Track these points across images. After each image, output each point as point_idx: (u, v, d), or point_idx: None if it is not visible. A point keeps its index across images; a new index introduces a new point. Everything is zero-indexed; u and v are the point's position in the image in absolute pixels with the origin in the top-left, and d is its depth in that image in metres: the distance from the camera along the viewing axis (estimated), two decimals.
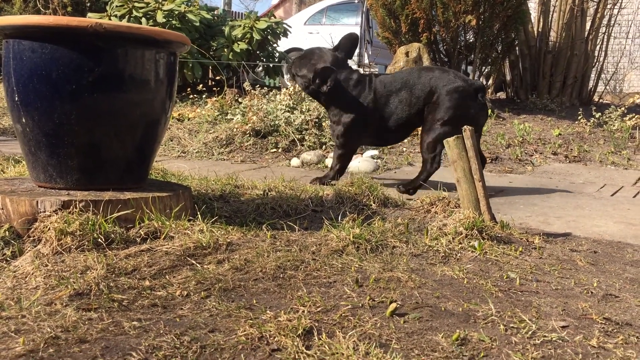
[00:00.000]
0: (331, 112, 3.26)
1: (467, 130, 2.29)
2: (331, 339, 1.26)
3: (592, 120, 5.61)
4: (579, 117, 5.75)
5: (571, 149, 4.84)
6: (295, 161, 4.18)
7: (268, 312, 1.38)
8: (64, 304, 1.37)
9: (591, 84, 7.73)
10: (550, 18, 7.25)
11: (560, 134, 5.38)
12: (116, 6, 6.62)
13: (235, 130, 4.73)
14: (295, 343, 1.22)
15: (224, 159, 4.30)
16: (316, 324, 1.32)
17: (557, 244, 2.18)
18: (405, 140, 4.92)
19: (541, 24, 7.25)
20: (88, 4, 9.16)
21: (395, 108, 3.18)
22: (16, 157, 3.22)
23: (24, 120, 1.93)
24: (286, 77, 8.49)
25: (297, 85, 5.16)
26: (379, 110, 3.19)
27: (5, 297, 1.40)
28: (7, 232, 1.77)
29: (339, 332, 1.29)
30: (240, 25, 6.99)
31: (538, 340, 1.31)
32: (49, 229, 1.72)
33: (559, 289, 1.68)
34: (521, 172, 4.12)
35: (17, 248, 1.71)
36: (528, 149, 4.83)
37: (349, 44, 3.33)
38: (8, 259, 1.66)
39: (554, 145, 4.93)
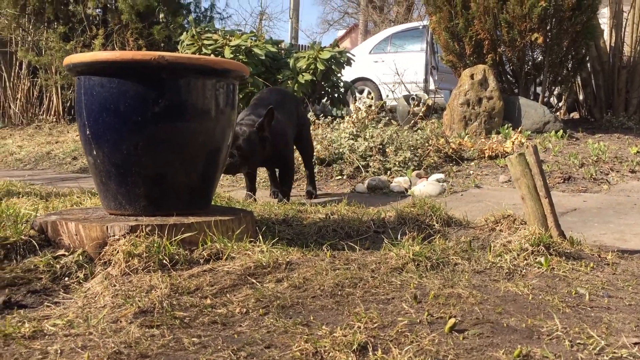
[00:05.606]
0: None
1: (529, 146, 2.23)
2: (386, 354, 1.24)
3: None
4: None
5: None
6: (360, 187, 4.19)
7: (324, 328, 1.38)
8: (129, 321, 1.42)
9: None
10: (622, 32, 6.98)
11: (638, 152, 5.12)
12: (186, 45, 6.93)
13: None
14: (350, 358, 1.22)
15: None
16: (372, 340, 1.31)
17: (632, 260, 2.07)
18: (472, 163, 4.83)
19: (613, 38, 6.99)
20: (162, 45, 9.64)
21: None
22: (92, 191, 3.39)
23: (95, 153, 2.04)
24: (352, 106, 8.55)
25: (360, 113, 5.20)
26: None
27: (76, 315, 1.47)
28: (80, 257, 1.87)
29: (394, 347, 1.27)
30: (304, 57, 7.13)
31: (606, 356, 1.24)
32: (117, 252, 1.80)
33: (633, 304, 1.59)
34: (596, 190, 3.95)
35: (89, 270, 1.80)
36: (603, 167, 4.63)
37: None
38: (81, 280, 1.75)
39: (632, 163, 4.70)
